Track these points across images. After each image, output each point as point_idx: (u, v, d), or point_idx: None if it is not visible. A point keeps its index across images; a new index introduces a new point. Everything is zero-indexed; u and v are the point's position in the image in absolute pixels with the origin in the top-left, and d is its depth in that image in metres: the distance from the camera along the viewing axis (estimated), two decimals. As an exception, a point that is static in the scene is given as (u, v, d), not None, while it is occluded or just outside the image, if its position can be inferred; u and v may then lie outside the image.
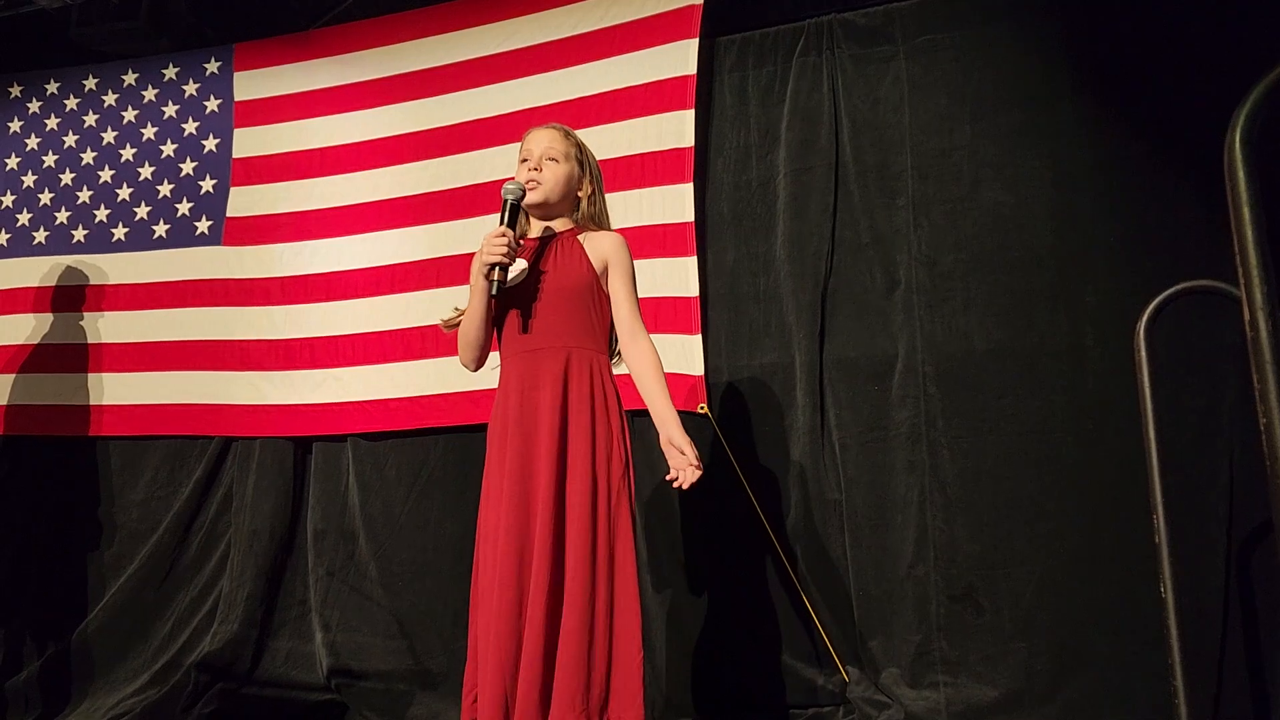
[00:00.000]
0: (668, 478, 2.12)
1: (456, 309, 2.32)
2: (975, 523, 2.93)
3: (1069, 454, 2.88)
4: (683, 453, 2.10)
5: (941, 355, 3.04)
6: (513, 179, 2.23)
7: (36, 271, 4.12)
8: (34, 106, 4.35)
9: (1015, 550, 2.88)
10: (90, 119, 4.26)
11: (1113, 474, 2.79)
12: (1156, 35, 2.96)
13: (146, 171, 4.14)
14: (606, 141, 3.35)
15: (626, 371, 2.21)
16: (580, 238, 2.24)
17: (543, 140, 2.26)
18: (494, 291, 2.12)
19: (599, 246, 2.23)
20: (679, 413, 3.11)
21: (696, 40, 3.33)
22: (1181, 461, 2.56)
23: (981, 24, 3.17)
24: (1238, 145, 1.17)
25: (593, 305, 2.21)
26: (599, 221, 2.31)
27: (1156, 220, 2.87)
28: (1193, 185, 2.81)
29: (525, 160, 2.26)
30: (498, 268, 2.10)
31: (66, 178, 4.23)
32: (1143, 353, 2.21)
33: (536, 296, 2.18)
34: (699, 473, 2.10)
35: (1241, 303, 1.17)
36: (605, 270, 2.22)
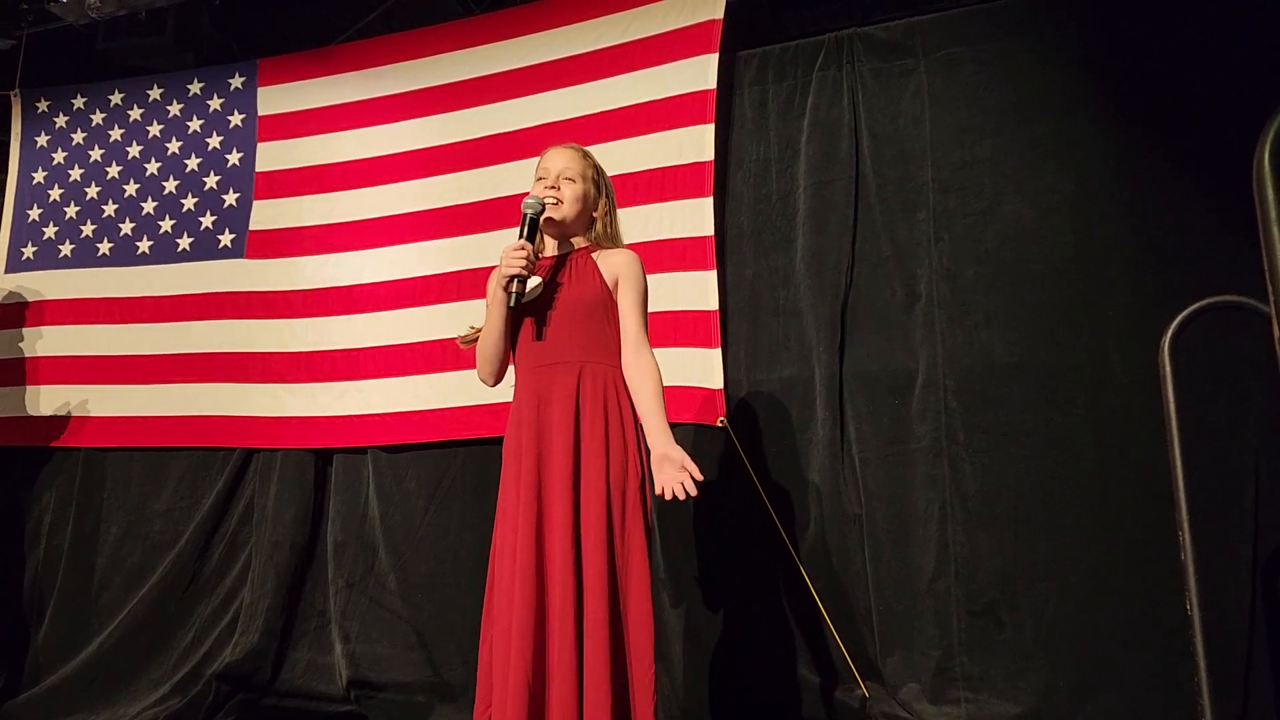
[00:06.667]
0: (657, 492, 2.08)
1: (472, 327, 2.35)
2: (997, 537, 2.91)
3: (1091, 468, 2.86)
4: (675, 462, 2.05)
5: (962, 369, 3.03)
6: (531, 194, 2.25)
7: (62, 284, 4.17)
8: (60, 121, 4.40)
9: (1037, 565, 2.86)
10: (116, 133, 4.31)
11: (1135, 489, 2.77)
12: (1179, 47, 2.95)
13: (171, 185, 4.18)
14: (627, 155, 3.37)
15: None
16: (594, 255, 2.27)
17: (560, 159, 2.29)
18: (512, 304, 2.15)
19: (612, 262, 2.26)
20: (696, 426, 3.14)
21: (716, 55, 3.34)
22: (1206, 477, 2.54)
23: (1002, 37, 3.16)
24: (1266, 161, 1.16)
25: (606, 320, 2.23)
26: (613, 240, 2.34)
27: (1179, 233, 2.86)
28: (1216, 198, 2.79)
29: (542, 178, 2.29)
30: (516, 279, 2.12)
31: (92, 191, 4.28)
32: (1167, 368, 2.19)
33: (550, 312, 2.21)
34: (694, 479, 2.04)
35: (1270, 319, 1.16)
36: (616, 284, 2.24)
